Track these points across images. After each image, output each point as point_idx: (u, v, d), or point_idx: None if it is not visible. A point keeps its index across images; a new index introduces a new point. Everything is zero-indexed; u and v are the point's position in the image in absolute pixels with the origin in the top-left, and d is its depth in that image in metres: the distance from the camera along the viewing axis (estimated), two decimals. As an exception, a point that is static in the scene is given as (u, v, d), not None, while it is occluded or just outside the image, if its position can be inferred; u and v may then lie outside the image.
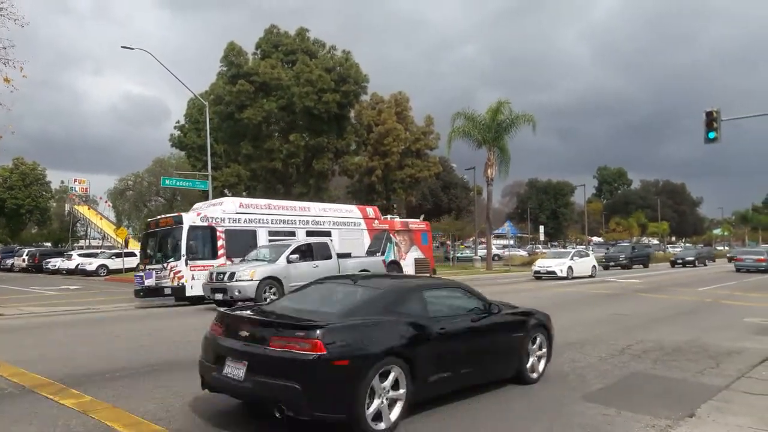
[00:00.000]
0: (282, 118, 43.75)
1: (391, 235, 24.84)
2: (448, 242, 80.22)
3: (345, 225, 23.15)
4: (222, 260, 18.65)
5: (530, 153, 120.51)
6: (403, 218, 32.48)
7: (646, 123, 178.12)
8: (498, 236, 67.00)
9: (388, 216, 26.60)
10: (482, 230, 51.92)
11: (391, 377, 5.23)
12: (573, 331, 11.26)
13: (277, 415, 4.91)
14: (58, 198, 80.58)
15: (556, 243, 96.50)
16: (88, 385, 7.05)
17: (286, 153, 43.45)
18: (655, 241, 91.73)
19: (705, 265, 45.17)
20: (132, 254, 42.17)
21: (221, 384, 5.41)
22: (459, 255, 54.19)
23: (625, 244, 60.46)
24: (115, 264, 40.28)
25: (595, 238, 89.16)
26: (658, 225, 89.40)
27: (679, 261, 44.30)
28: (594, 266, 31.56)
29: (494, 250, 50.11)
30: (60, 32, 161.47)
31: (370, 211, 25.44)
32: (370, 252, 23.00)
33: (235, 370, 5.22)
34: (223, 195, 59.15)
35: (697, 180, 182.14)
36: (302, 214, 22.22)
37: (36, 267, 43.84)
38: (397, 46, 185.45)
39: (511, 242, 69.24)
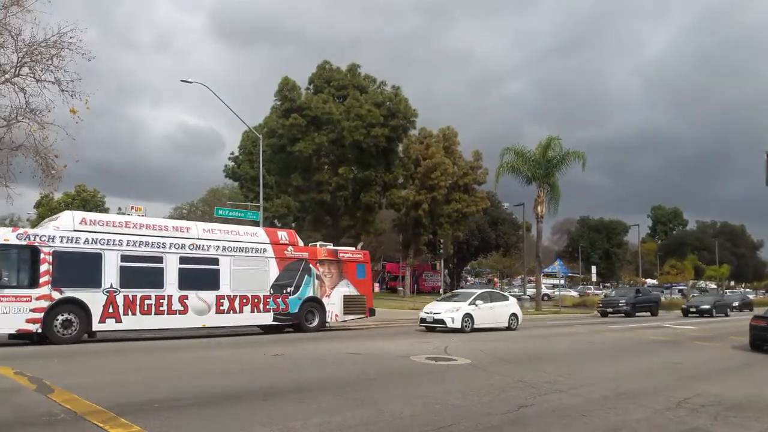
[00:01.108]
0: (332, 152, 44.46)
1: (311, 265, 20.31)
2: (496, 279, 79.18)
3: (242, 251, 18.65)
4: (45, 289, 14.96)
5: (580, 189, 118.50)
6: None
7: (700, 161, 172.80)
8: (548, 275, 65.58)
9: (318, 243, 22.60)
10: (531, 268, 50.99)
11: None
12: (626, 381, 10.81)
13: None
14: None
15: (609, 284, 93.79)
16: (138, 414, 7.14)
17: (335, 185, 44.01)
18: (713, 285, 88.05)
19: (726, 315, 37.80)
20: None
21: None
22: (509, 293, 53.21)
23: (627, 287, 53.42)
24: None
25: (650, 280, 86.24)
26: (716, 268, 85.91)
27: (693, 310, 37.11)
28: (514, 315, 22.44)
29: (544, 290, 49.02)
30: (122, 65, 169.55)
31: (283, 235, 20.81)
32: (278, 287, 19.22)
33: None
34: (273, 225, 60.29)
35: (758, 222, 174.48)
36: (176, 236, 17.75)
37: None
38: (445, 81, 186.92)
39: (562, 282, 67.66)
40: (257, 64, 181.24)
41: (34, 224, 77.75)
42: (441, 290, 39.79)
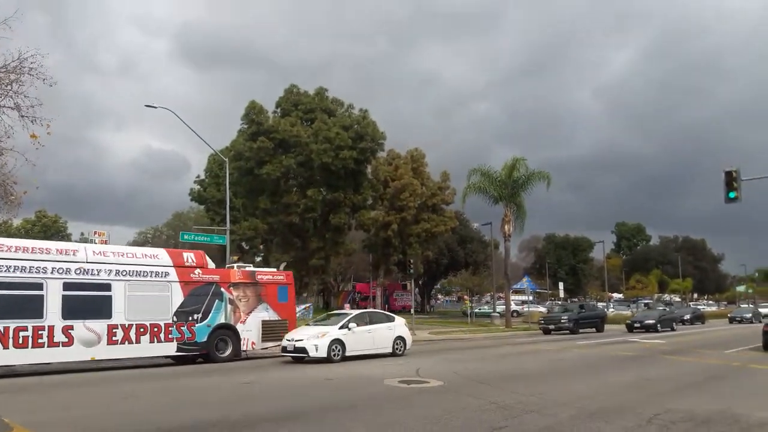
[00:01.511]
0: (300, 174, 44.34)
1: (222, 289, 18.71)
2: (466, 297, 79.50)
3: (139, 275, 17.04)
4: None
5: (546, 208, 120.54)
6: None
7: (663, 178, 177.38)
8: (516, 291, 66.13)
9: (235, 265, 21.22)
10: (500, 286, 51.36)
11: None
12: (597, 399, 10.89)
13: None
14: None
15: (576, 299, 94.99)
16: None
17: (304, 207, 43.82)
18: (677, 299, 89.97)
19: (672, 329, 36.23)
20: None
21: None
22: (477, 311, 53.39)
23: (570, 302, 50.24)
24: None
25: (616, 295, 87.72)
26: (680, 282, 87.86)
27: (637, 325, 35.32)
28: (400, 338, 19.44)
29: (513, 306, 49.36)
30: (86, 89, 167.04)
31: (189, 256, 18.89)
32: (183, 314, 17.58)
33: None
34: (240, 249, 59.59)
35: (718, 236, 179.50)
36: (60, 259, 15.95)
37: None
38: (412, 103, 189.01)
39: (530, 298, 68.28)
40: (224, 87, 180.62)
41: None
42: (411, 309, 39.63)
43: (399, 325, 19.77)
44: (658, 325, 35.15)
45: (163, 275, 17.52)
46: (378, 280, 55.01)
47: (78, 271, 15.93)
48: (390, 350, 18.91)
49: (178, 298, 17.62)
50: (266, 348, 19.80)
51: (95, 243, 78.61)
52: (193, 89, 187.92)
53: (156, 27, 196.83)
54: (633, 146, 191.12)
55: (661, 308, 47.30)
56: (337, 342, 17.48)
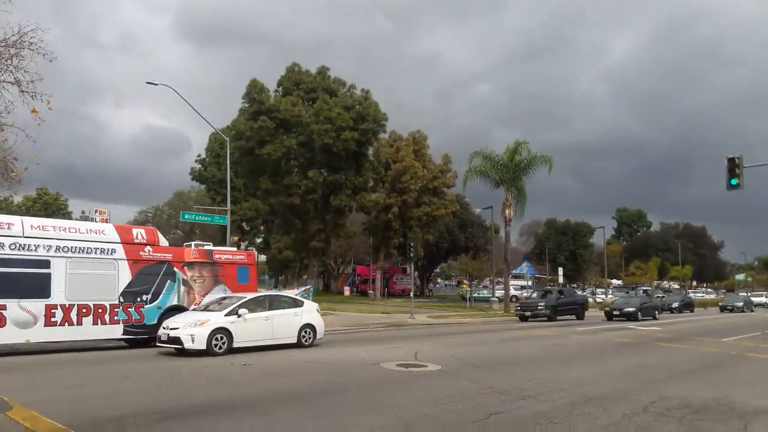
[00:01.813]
0: (301, 155, 44.22)
1: (175, 269, 17.63)
2: (465, 281, 79.74)
3: (82, 252, 15.81)
4: None
5: (547, 192, 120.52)
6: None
7: (664, 165, 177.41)
8: (516, 276, 66.29)
9: (192, 244, 20.01)
10: (500, 270, 51.45)
11: None
12: (593, 386, 10.93)
13: None
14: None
15: (575, 285, 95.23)
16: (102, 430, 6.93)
17: (305, 189, 43.75)
18: (676, 286, 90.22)
19: (654, 318, 34.74)
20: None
21: None
22: (476, 295, 53.54)
23: (550, 287, 47.93)
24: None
25: (615, 281, 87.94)
26: (679, 269, 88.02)
27: (617, 313, 33.72)
28: (308, 327, 16.84)
29: (512, 291, 49.48)
30: (85, 65, 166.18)
31: (140, 233, 17.80)
32: (130, 294, 16.42)
33: None
34: (241, 229, 59.64)
35: (719, 223, 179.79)
36: None
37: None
38: (414, 85, 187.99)
39: (529, 283, 68.47)
40: (225, 65, 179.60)
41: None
42: (411, 293, 39.71)
43: (308, 311, 17.23)
44: (639, 314, 33.36)
45: (110, 252, 16.35)
46: (378, 263, 55.15)
47: (12, 246, 14.71)
48: (295, 340, 16.39)
49: (125, 277, 16.49)
50: None
51: (96, 221, 78.87)
52: (194, 66, 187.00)
53: (157, 3, 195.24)
54: (635, 131, 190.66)
55: (642, 295, 46.85)
56: (222, 331, 14.75)
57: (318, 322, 17.35)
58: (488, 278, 68.07)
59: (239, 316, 15.12)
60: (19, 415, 7.71)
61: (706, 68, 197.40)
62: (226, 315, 15.04)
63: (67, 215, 78.30)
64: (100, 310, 15.79)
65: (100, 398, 9.17)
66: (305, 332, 16.67)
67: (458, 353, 15.50)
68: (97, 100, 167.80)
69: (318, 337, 17.09)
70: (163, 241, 18.48)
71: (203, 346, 14.33)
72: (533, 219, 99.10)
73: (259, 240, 72.65)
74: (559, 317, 32.43)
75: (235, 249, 21.07)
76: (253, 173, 45.74)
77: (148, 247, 17.29)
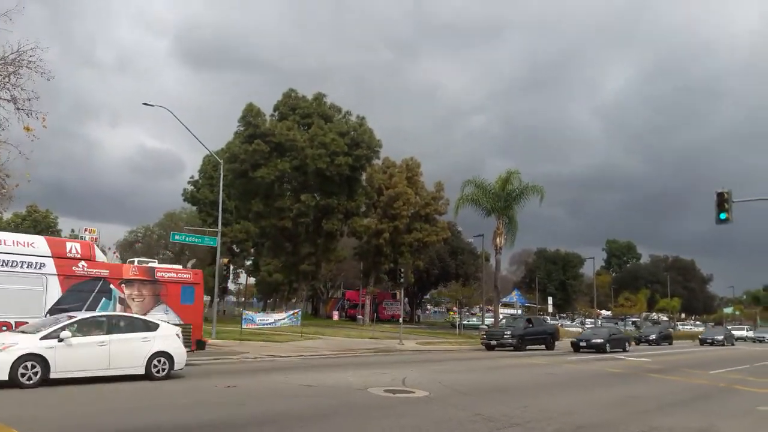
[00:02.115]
0: (294, 178, 44.36)
1: (112, 286, 16.50)
2: (455, 309, 79.49)
3: (5, 265, 14.74)
4: None
5: (538, 222, 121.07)
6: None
7: (656, 199, 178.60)
8: (506, 305, 66.13)
9: (136, 260, 18.98)
10: (489, 298, 51.37)
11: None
12: (583, 414, 10.89)
13: None
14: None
15: (564, 315, 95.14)
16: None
17: (297, 212, 43.78)
18: (665, 318, 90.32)
19: (624, 350, 32.95)
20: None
21: None
22: (466, 323, 53.36)
23: (518, 315, 45.86)
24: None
25: (604, 312, 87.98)
26: (668, 301, 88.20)
27: (583, 344, 31.69)
28: (162, 355, 13.92)
29: (501, 319, 49.26)
30: (81, 84, 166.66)
31: (74, 246, 16.66)
32: (58, 311, 14.79)
33: None
34: (231, 251, 59.37)
35: (708, 257, 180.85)
36: None
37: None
38: (412, 114, 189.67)
39: (519, 312, 68.35)
40: (223, 89, 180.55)
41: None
42: (401, 319, 39.52)
43: (163, 336, 14.17)
44: (607, 345, 31.50)
45: (38, 266, 15.20)
46: (368, 288, 54.96)
47: None
48: (142, 370, 13.50)
49: (54, 293, 15.32)
50: None
51: (85, 239, 78.42)
52: (190, 89, 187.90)
53: (156, 25, 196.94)
54: (628, 165, 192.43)
55: (611, 326, 43.93)
56: (33, 358, 11.94)
57: (177, 349, 14.28)
58: (478, 306, 67.86)
59: (60, 340, 12.34)
60: (-2, 433, 7.57)
61: (700, 105, 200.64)
62: (41, 338, 12.27)
63: (56, 233, 77.76)
64: None
65: (82, 417, 9.02)
66: (158, 361, 13.75)
67: (446, 380, 15.41)
68: (92, 119, 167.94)
69: (177, 367, 14.16)
70: (101, 257, 17.66)
71: (5, 377, 11.57)
72: (524, 248, 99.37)
73: (248, 262, 72.29)
74: (528, 347, 30.89)
75: (180, 267, 20.28)
76: (245, 195, 45.77)
77: (83, 263, 16.15)
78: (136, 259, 19.23)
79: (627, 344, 34.67)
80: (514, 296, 65.63)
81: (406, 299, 68.23)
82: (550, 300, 65.64)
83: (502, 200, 40.66)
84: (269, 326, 30.12)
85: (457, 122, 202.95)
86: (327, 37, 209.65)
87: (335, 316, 63.35)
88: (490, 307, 54.45)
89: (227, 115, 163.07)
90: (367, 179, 48.85)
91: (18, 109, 19.06)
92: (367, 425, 9.11)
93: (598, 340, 31.78)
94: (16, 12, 18.25)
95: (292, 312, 32.30)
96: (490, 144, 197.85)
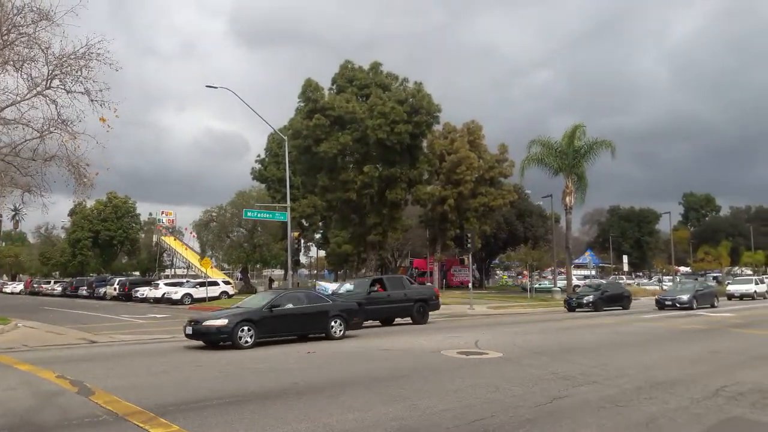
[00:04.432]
0: (356, 150, 44.58)
1: None
2: (525, 272, 78.58)
3: None
4: None
5: (609, 179, 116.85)
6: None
7: (732, 146, 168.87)
8: (578, 266, 64.86)
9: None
10: (561, 260, 50.49)
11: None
12: (660, 370, 10.68)
13: None
14: (146, 229, 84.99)
15: (640, 273, 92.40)
16: (175, 414, 7.32)
17: (360, 184, 44.12)
18: (749, 272, 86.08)
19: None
20: (215, 283, 43.78)
21: None
22: (537, 286, 52.74)
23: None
24: (199, 293, 41.82)
25: (683, 268, 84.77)
26: (752, 254, 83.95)
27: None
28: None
29: (574, 281, 48.46)
30: (146, 72, 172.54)
31: None
32: None
33: None
34: (300, 225, 60.70)
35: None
36: None
37: (126, 296, 46.25)
38: (468, 75, 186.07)
39: (593, 272, 66.88)
40: (278, 66, 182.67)
41: (69, 231, 79.66)
42: (470, 285, 39.50)
43: None
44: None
45: None
46: (435, 256, 55.06)
47: None
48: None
49: None
50: None
51: (163, 222, 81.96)
52: (247, 68, 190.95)
53: (211, 8, 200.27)
54: (699, 113, 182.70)
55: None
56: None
57: None
58: (549, 268, 66.82)
59: None
60: (101, 399, 8.23)
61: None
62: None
63: (135, 217, 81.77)
64: None
65: (174, 384, 9.65)
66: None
67: (519, 341, 15.40)
68: (159, 106, 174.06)
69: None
70: None
71: None
72: (596, 207, 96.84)
73: (317, 236, 73.76)
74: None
75: None
76: (310, 170, 46.49)
77: None
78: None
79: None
80: (587, 257, 64.27)
81: (475, 265, 67.98)
82: (625, 259, 63.86)
83: (569, 158, 39.67)
84: (341, 296, 30.78)
85: (516, 81, 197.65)
86: (376, 4, 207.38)
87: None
88: (562, 269, 53.53)
89: (286, 91, 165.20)
90: (428, 146, 48.53)
91: (92, 101, 20.07)
92: (444, 385, 9.28)
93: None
94: (81, 7, 19.09)
95: (362, 282, 32.85)
96: (552, 101, 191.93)
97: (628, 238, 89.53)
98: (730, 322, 22.30)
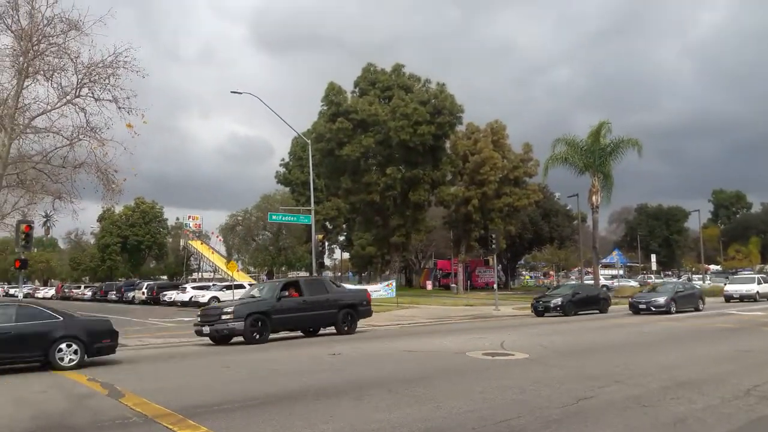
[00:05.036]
0: (379, 153, 44.78)
1: None
2: (552, 273, 77.87)
3: None
4: None
5: (636, 177, 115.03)
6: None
7: (762, 141, 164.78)
8: (606, 266, 64.05)
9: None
10: (588, 260, 49.93)
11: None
12: (687, 370, 10.53)
13: None
14: (174, 234, 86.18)
15: (669, 272, 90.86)
16: (203, 415, 7.44)
17: (384, 186, 44.28)
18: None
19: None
20: (241, 286, 44.22)
21: None
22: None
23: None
24: (225, 296, 42.24)
25: (713, 266, 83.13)
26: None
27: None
28: None
29: (602, 281, 47.88)
30: (170, 78, 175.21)
31: None
32: None
33: None
34: (325, 228, 61.08)
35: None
36: None
37: (154, 299, 46.93)
38: (488, 74, 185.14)
39: (620, 272, 65.98)
40: (300, 70, 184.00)
41: (98, 237, 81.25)
42: (495, 286, 39.33)
43: None
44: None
45: None
46: (459, 257, 54.89)
47: None
48: None
49: None
50: None
51: (190, 226, 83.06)
52: (271, 73, 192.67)
53: (232, 14, 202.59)
54: (727, 108, 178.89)
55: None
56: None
57: None
58: (576, 268, 66.13)
59: None
60: (131, 401, 8.41)
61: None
62: None
63: (163, 222, 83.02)
64: None
65: (201, 386, 9.81)
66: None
67: (545, 342, 15.30)
68: (184, 112, 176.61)
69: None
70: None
71: None
72: (623, 206, 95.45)
73: (341, 238, 74.08)
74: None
75: None
76: (334, 173, 46.80)
77: None
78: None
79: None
80: (615, 256, 63.36)
81: (500, 266, 67.59)
82: (653, 258, 62.81)
83: (595, 156, 39.16)
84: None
85: (537, 78, 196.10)
86: (392, 5, 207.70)
87: (428, 286, 63.90)
88: (589, 269, 52.94)
89: (309, 95, 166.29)
90: (451, 147, 48.44)
91: (120, 108, 20.46)
92: (471, 386, 9.27)
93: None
94: (108, 17, 19.49)
95: (386, 283, 33.02)
96: (575, 98, 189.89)
97: (656, 236, 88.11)
98: (759, 320, 21.82)
